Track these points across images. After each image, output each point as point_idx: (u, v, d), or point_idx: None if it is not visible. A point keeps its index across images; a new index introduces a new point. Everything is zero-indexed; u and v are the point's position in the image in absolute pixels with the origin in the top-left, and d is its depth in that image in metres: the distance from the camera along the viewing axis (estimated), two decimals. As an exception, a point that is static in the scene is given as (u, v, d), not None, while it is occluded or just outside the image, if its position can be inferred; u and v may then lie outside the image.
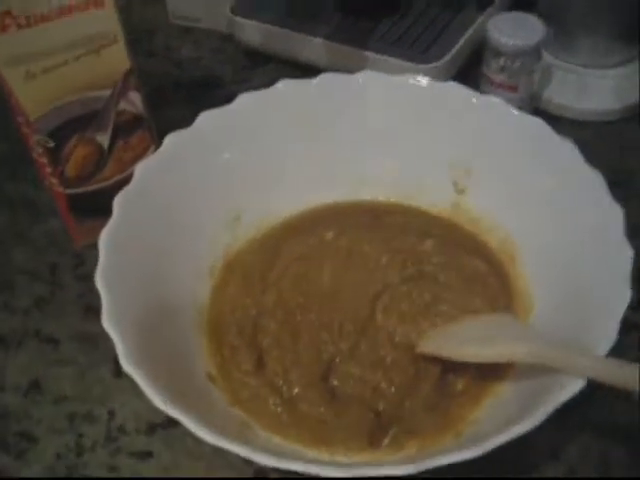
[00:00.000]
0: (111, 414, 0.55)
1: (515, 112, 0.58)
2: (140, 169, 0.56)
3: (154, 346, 0.48)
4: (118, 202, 0.54)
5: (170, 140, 0.59)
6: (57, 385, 0.59)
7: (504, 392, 0.52)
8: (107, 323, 0.46)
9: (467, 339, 0.53)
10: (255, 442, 0.49)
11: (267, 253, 0.61)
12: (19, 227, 0.71)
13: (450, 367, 0.53)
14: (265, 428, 0.52)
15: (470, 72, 0.77)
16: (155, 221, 0.56)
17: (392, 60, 0.76)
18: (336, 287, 0.59)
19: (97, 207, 0.57)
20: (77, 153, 0.61)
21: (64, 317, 0.63)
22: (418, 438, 0.51)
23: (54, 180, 0.62)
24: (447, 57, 0.75)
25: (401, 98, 0.62)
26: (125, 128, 0.62)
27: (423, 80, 0.61)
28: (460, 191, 0.62)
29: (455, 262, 0.59)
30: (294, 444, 0.51)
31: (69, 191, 0.63)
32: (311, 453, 0.50)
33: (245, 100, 0.62)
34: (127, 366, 0.44)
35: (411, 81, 0.62)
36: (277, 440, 0.51)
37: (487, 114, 0.60)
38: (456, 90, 0.61)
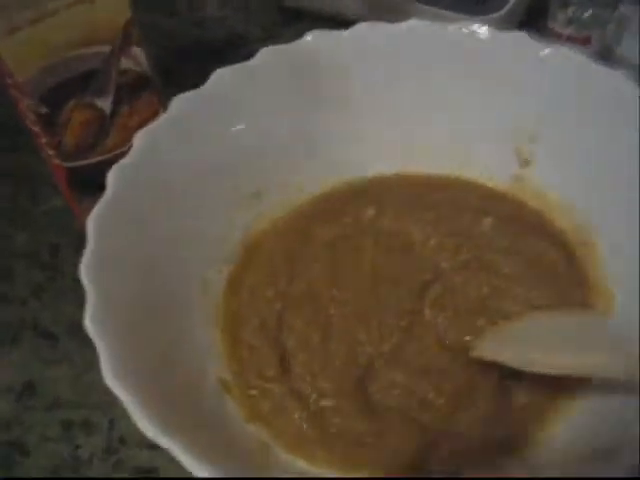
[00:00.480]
0: (111, 423, 0.50)
1: (594, 65, 0.48)
2: (140, 138, 0.47)
3: (151, 353, 0.40)
4: (113, 177, 0.45)
5: (177, 103, 0.49)
6: (53, 388, 0.52)
7: (579, 409, 0.43)
8: (90, 326, 0.37)
9: (533, 343, 0.43)
10: (275, 468, 0.40)
11: (294, 236, 0.52)
12: (19, 204, 0.64)
13: (510, 374, 0.44)
14: (288, 449, 0.43)
15: (531, 27, 0.67)
16: (157, 199, 0.47)
17: (442, 12, 0.66)
18: (376, 276, 0.49)
19: (100, 182, 0.48)
20: (75, 120, 0.52)
21: (63, 307, 0.56)
22: (474, 461, 0.41)
23: (51, 152, 0.54)
24: (506, 8, 0.65)
25: (455, 51, 0.53)
26: (129, 90, 0.54)
27: (482, 30, 0.51)
28: (525, 162, 0.52)
29: (519, 246, 0.49)
30: (323, 469, 0.42)
31: (68, 164, 0.55)
32: (343, 484, 0.41)
33: (267, 55, 0.52)
34: (111, 381, 0.35)
35: (467, 31, 0.52)
36: (302, 464, 0.42)
37: (560, 69, 0.50)
38: (522, 41, 0.51)
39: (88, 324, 0.38)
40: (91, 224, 0.42)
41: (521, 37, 0.51)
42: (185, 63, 0.71)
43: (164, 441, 0.34)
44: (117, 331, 0.38)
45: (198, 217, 0.49)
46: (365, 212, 0.53)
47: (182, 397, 0.40)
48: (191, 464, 0.33)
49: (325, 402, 0.45)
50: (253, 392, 0.46)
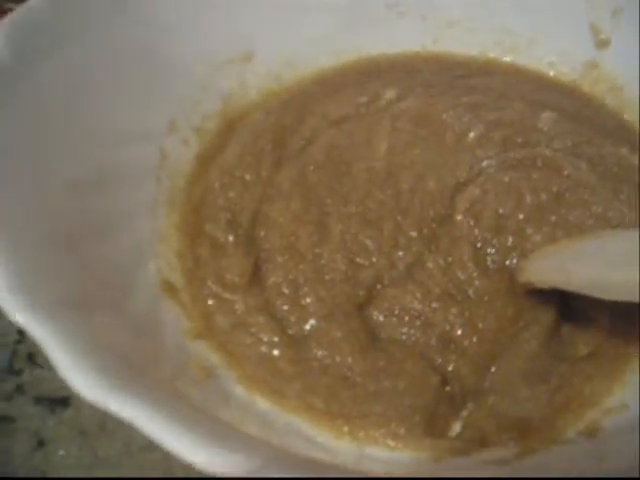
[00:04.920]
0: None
1: None
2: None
3: (69, 251, 0.27)
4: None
5: None
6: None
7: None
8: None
9: (605, 262, 0.30)
10: (219, 406, 0.28)
11: (290, 112, 0.39)
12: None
13: (570, 314, 0.32)
14: (247, 383, 0.30)
15: None
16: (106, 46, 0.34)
17: None
18: (394, 170, 0.36)
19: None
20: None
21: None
22: (513, 429, 0.28)
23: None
24: None
25: None
26: None
27: None
28: (601, 43, 0.39)
29: (589, 149, 0.36)
30: (294, 417, 0.29)
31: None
32: (322, 437, 0.28)
33: None
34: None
35: None
36: (264, 406, 0.29)
37: None
38: None
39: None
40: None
41: None
42: None
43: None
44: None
45: (163, 71, 0.36)
46: (384, 92, 0.40)
47: (106, 295, 0.27)
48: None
49: (309, 326, 0.32)
50: (210, 302, 0.32)
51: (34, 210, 0.27)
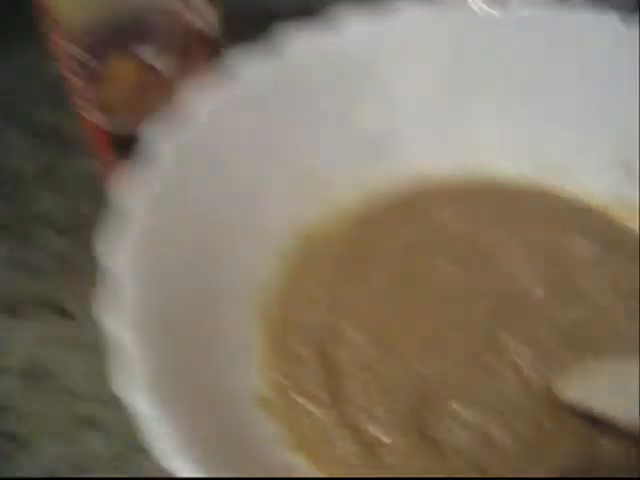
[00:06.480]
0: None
1: None
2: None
3: (186, 362, 0.33)
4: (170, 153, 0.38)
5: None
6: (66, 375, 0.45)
7: None
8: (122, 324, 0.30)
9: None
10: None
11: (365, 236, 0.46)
12: (46, 166, 0.57)
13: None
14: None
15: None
16: (211, 181, 0.40)
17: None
18: (447, 291, 0.42)
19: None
20: (119, 71, 0.45)
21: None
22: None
23: (91, 108, 0.47)
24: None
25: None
26: (189, 49, 0.46)
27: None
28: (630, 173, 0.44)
29: (618, 277, 0.42)
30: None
31: (110, 123, 0.47)
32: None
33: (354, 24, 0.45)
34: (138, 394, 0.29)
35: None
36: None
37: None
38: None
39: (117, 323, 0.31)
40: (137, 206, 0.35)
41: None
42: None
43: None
44: (153, 335, 0.31)
45: (258, 207, 0.42)
46: (440, 215, 0.46)
47: (215, 419, 0.34)
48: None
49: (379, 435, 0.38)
50: (298, 415, 0.39)
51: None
